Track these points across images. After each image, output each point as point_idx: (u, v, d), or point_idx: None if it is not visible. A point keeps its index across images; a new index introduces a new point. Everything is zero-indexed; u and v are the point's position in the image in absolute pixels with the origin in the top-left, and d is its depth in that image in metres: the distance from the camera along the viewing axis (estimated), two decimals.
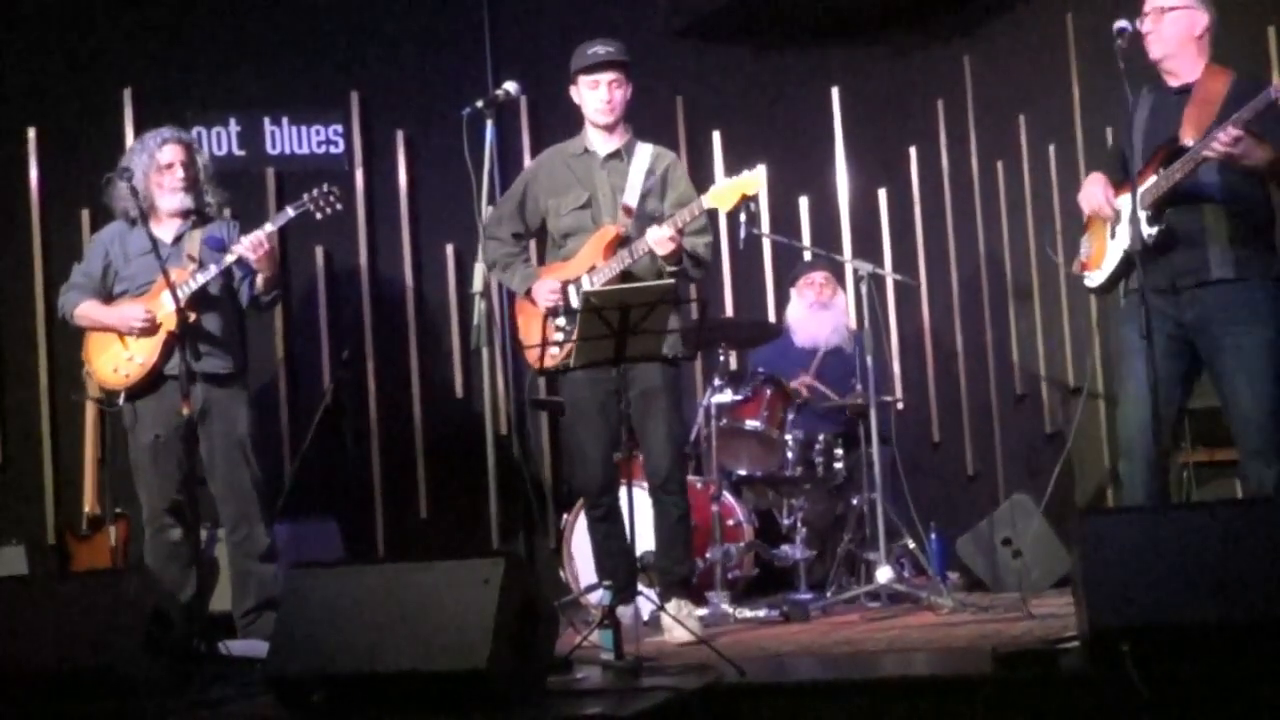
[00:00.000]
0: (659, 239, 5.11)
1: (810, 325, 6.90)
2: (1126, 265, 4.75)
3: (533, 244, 5.79)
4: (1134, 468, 4.72)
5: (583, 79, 5.34)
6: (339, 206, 5.60)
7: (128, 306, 5.48)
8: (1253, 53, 6.57)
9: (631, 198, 5.32)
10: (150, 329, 5.41)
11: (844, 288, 7.08)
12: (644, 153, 5.40)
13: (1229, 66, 4.78)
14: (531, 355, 5.29)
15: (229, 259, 5.41)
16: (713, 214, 5.37)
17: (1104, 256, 4.86)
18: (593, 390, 5.22)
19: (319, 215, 5.57)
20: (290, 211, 5.51)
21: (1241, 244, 4.62)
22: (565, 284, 5.27)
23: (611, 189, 5.34)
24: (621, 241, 5.26)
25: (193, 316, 5.34)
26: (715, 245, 5.41)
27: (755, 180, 5.18)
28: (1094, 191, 4.84)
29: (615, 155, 5.38)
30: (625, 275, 5.18)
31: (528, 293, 5.35)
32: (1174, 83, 4.78)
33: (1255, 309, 4.60)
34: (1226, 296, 4.60)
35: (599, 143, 5.40)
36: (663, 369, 5.21)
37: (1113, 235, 4.82)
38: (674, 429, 5.32)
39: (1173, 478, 5.80)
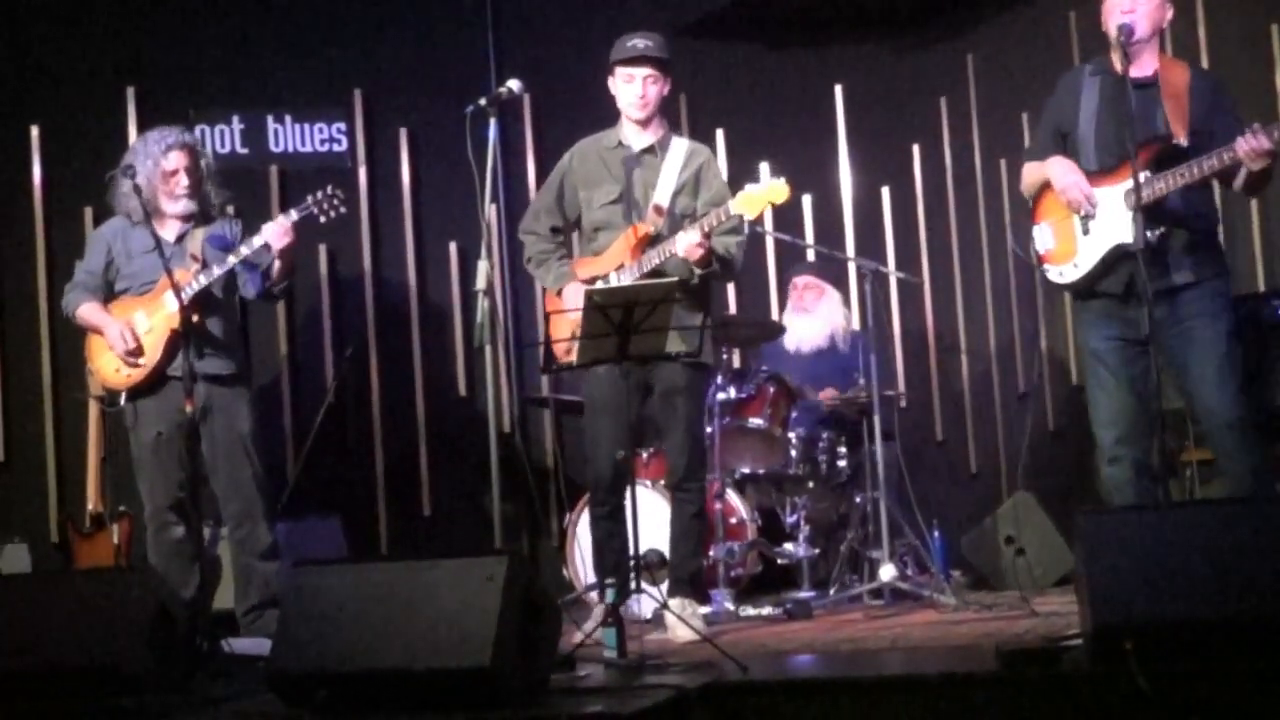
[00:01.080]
0: (688, 246, 5.08)
1: (793, 329, 6.93)
2: (1109, 264, 4.74)
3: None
4: (1121, 472, 4.74)
5: (619, 71, 5.34)
6: (343, 210, 5.59)
7: (116, 328, 5.44)
8: (1253, 52, 6.57)
9: (663, 196, 5.30)
10: (131, 360, 5.41)
11: (838, 286, 7.10)
12: (679, 148, 5.38)
13: (1184, 61, 4.86)
14: (558, 350, 5.28)
15: (245, 251, 5.42)
16: None
17: (1075, 251, 4.83)
18: (614, 388, 5.18)
19: (322, 219, 5.56)
20: (294, 214, 5.50)
21: (1196, 251, 4.70)
22: (594, 279, 5.27)
23: (644, 185, 5.32)
24: (651, 241, 5.25)
25: (195, 317, 5.33)
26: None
27: (783, 190, 5.16)
28: (1077, 181, 4.80)
29: (649, 150, 5.37)
30: (654, 274, 5.15)
31: (559, 292, 5.34)
32: (1134, 71, 4.71)
33: (1214, 304, 4.70)
34: (1186, 298, 4.69)
35: (633, 137, 5.38)
36: (686, 370, 5.21)
37: (1085, 230, 4.80)
38: (694, 429, 5.35)
39: (1175, 477, 5.81)
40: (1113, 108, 4.74)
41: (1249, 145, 4.42)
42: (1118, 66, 4.70)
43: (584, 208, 5.41)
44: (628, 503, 5.31)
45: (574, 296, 5.25)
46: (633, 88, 5.31)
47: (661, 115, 5.42)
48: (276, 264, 5.48)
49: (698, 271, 5.16)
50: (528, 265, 5.54)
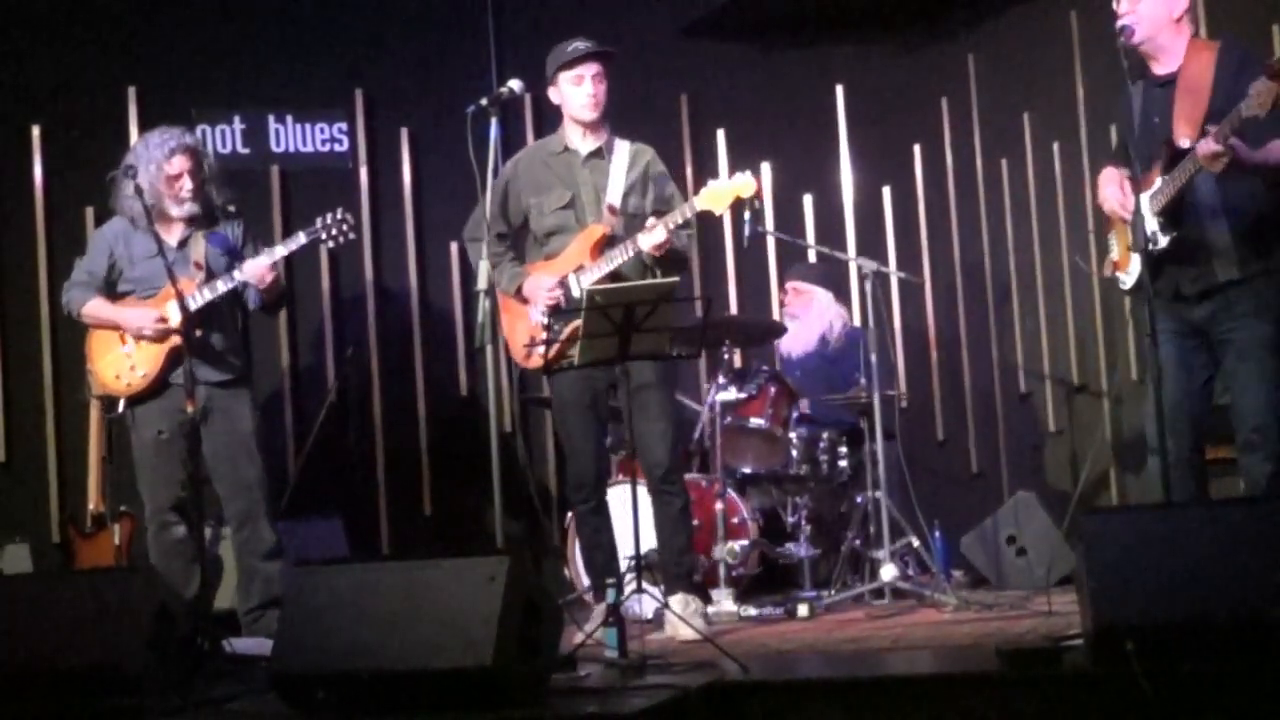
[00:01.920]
0: (655, 243, 5.10)
1: (784, 334, 6.96)
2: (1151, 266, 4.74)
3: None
4: (1157, 464, 4.71)
5: (564, 75, 5.33)
6: (352, 236, 5.58)
7: (137, 310, 5.46)
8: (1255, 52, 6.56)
9: (615, 196, 5.32)
10: (162, 335, 5.40)
11: (839, 286, 7.11)
12: (623, 150, 5.40)
13: (1214, 42, 4.74)
14: (519, 354, 5.31)
15: (234, 280, 5.41)
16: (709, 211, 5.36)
17: (1131, 259, 4.84)
18: (582, 385, 5.24)
19: (330, 244, 5.55)
20: (302, 238, 5.48)
21: (1244, 245, 4.62)
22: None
23: (595, 188, 5.33)
24: (609, 241, 5.26)
25: (199, 333, 5.30)
26: (719, 243, 5.42)
27: (749, 184, 5.18)
28: (1112, 193, 4.81)
29: (596, 154, 5.37)
30: (613, 275, 5.18)
31: (517, 291, 5.35)
32: (1159, 70, 4.73)
33: (1259, 304, 4.62)
34: (1232, 295, 4.62)
35: (579, 141, 5.38)
36: (654, 364, 5.21)
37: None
38: (669, 424, 5.33)
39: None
40: (1146, 111, 4.75)
41: (1201, 150, 4.40)
42: (1151, 68, 4.74)
43: (533, 214, 5.40)
44: (610, 498, 5.35)
45: (540, 292, 5.25)
46: (582, 88, 5.31)
47: (604, 118, 5.40)
48: (263, 296, 5.52)
49: (654, 268, 5.20)
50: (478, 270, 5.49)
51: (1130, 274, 4.84)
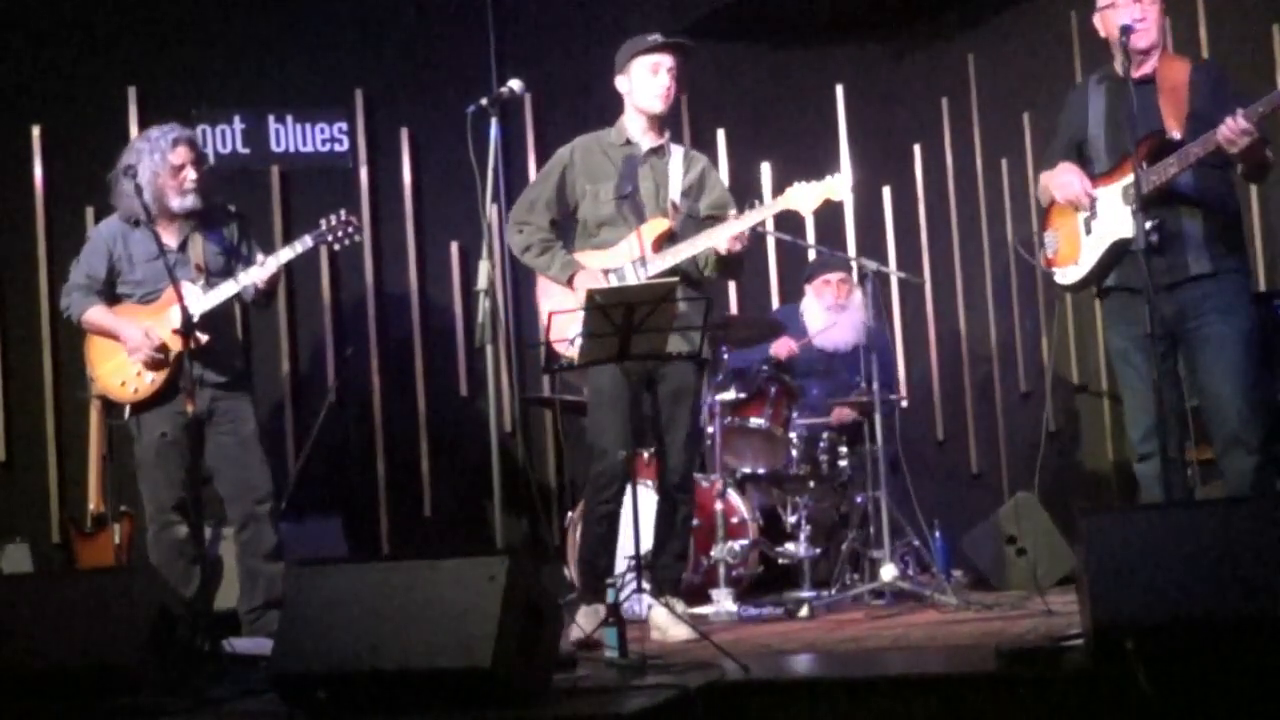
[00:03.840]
0: (730, 238, 5.04)
1: (831, 328, 6.84)
2: (1108, 262, 4.76)
3: None
4: (1149, 468, 4.72)
5: (640, 62, 5.25)
6: (357, 238, 5.57)
7: (137, 331, 5.44)
8: (1255, 52, 6.57)
9: (675, 194, 5.29)
10: (159, 363, 5.40)
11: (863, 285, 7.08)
12: (678, 152, 5.37)
13: (1186, 56, 4.92)
14: (562, 347, 5.22)
15: (237, 285, 5.42)
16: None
17: (1078, 252, 4.86)
18: (622, 384, 5.07)
19: (336, 246, 5.55)
20: (308, 241, 5.48)
21: (1215, 240, 4.69)
22: (606, 274, 5.21)
23: (653, 184, 5.27)
24: (670, 237, 5.24)
25: (205, 338, 5.30)
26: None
27: (845, 185, 5.19)
28: (1071, 180, 4.83)
29: (656, 151, 5.33)
30: (670, 271, 5.12)
31: (569, 280, 5.27)
32: (1137, 72, 4.76)
33: (1231, 300, 4.67)
34: (1203, 291, 4.67)
35: (640, 135, 5.32)
36: (694, 369, 5.19)
37: (1088, 230, 4.82)
38: (696, 430, 5.34)
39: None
40: (1118, 109, 4.76)
41: (1228, 128, 4.42)
42: (1119, 71, 4.77)
43: (587, 201, 5.32)
44: (627, 500, 5.30)
45: (589, 284, 5.21)
46: (658, 79, 5.24)
47: (665, 119, 5.38)
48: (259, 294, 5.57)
49: (707, 272, 5.19)
50: (525, 254, 5.37)
51: (1079, 268, 4.87)
